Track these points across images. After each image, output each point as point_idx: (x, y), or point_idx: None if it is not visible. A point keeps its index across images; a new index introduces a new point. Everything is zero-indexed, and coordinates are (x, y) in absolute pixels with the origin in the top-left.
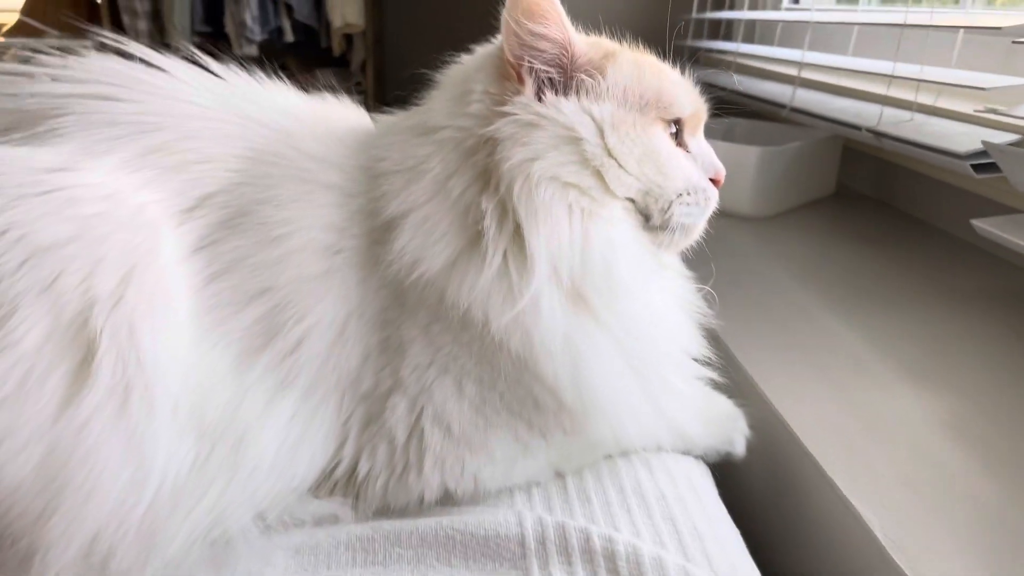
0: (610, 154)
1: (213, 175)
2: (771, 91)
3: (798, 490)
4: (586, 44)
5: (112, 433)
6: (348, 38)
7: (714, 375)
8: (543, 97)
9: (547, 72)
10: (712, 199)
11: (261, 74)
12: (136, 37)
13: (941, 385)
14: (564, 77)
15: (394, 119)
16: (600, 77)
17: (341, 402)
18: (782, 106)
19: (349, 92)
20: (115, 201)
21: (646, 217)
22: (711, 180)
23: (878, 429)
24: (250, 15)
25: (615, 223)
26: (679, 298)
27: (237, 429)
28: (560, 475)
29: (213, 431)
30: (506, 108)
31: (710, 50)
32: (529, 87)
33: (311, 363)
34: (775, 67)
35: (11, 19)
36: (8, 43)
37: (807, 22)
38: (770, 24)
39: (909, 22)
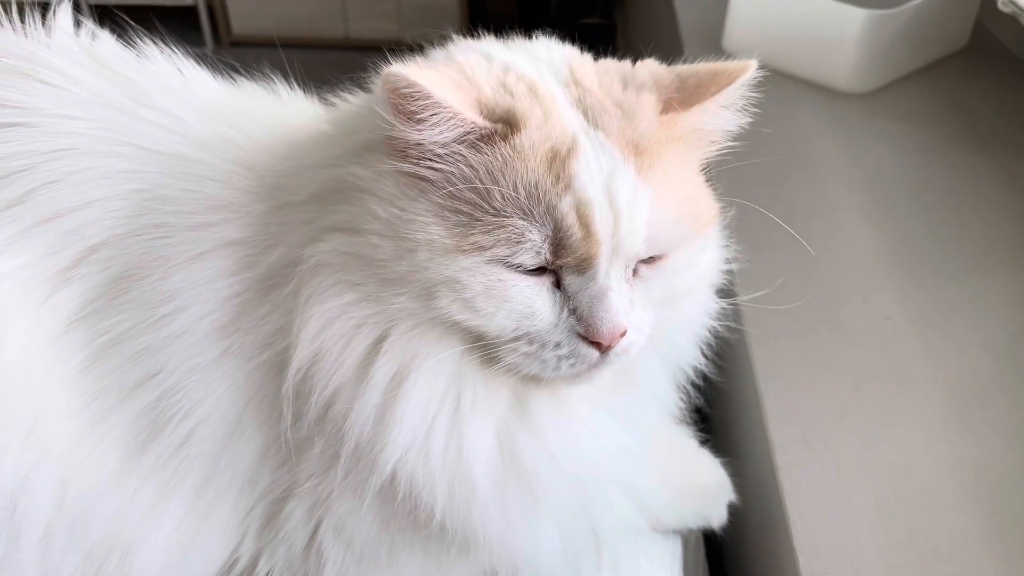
0: None
1: (94, 223)
2: None
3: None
4: None
5: None
6: None
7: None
8: None
9: None
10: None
11: (179, 58)
12: None
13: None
14: None
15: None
16: None
17: (239, 498)
18: None
19: None
20: None
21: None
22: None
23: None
24: None
25: None
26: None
27: (124, 542)
28: (491, 574)
29: (100, 549)
30: None
31: None
32: None
33: (202, 459)
34: None
35: None
36: None
37: None
38: None
39: None
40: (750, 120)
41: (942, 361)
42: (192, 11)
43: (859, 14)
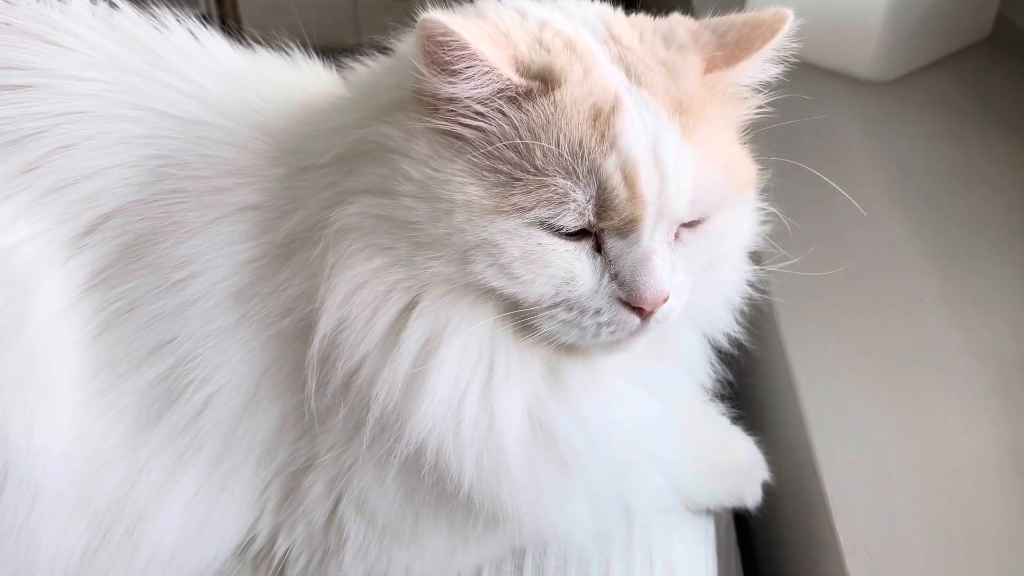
0: None
1: (108, 191)
2: None
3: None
4: None
5: None
6: None
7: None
8: None
9: None
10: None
11: (197, 26)
12: None
13: None
14: None
15: (331, 96)
16: None
17: (256, 472)
18: None
19: None
20: None
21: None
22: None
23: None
24: None
25: None
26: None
27: (132, 511)
28: (518, 551)
29: (104, 516)
30: None
31: None
32: None
33: (217, 431)
34: None
35: None
36: None
37: None
38: None
39: None
40: (772, 112)
41: (978, 342)
42: (204, 20)
43: None
